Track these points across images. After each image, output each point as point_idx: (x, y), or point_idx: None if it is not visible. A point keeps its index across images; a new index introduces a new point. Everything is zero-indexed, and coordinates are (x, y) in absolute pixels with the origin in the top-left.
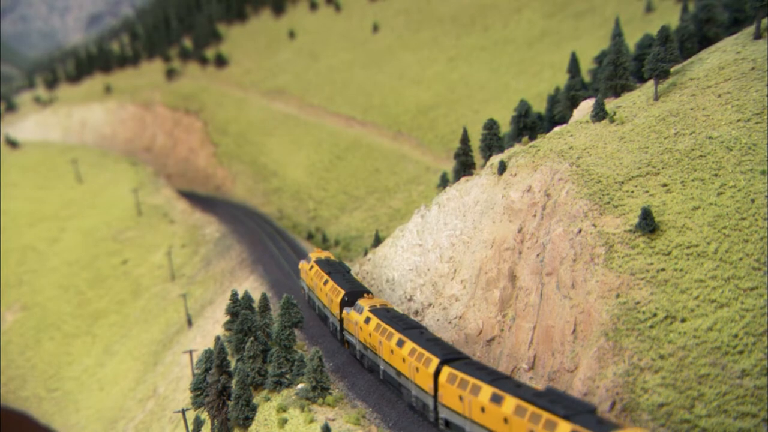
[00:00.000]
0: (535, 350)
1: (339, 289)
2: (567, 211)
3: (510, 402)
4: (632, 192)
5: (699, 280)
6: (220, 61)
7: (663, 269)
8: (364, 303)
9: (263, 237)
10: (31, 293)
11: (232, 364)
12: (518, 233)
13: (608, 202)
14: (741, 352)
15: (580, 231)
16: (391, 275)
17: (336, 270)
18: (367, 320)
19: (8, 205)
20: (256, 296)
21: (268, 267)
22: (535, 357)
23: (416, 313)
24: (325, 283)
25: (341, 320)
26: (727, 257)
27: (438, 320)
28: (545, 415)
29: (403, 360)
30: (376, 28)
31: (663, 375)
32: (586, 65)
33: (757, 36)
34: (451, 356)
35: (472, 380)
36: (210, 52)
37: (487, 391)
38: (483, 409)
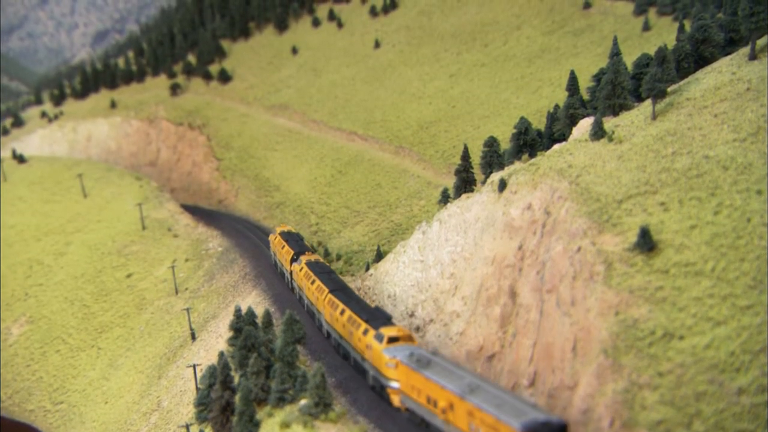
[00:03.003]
0: (535, 367)
1: (290, 250)
2: (566, 229)
3: (346, 314)
4: (631, 210)
5: (696, 298)
6: (224, 77)
7: (661, 287)
8: (303, 258)
9: (266, 251)
10: (37, 306)
11: (236, 380)
12: (518, 250)
13: (607, 221)
14: (738, 370)
15: (579, 249)
16: (393, 291)
17: (293, 239)
18: (301, 269)
19: (15, 219)
20: (259, 311)
21: (270, 281)
22: (535, 373)
23: (418, 329)
24: (283, 247)
25: (291, 272)
26: (724, 276)
27: (439, 336)
28: (357, 320)
29: (314, 294)
30: (377, 44)
31: (661, 392)
32: (584, 81)
33: (752, 57)
34: (336, 288)
35: (336, 301)
36: (214, 68)
37: (340, 308)
38: (336, 320)
